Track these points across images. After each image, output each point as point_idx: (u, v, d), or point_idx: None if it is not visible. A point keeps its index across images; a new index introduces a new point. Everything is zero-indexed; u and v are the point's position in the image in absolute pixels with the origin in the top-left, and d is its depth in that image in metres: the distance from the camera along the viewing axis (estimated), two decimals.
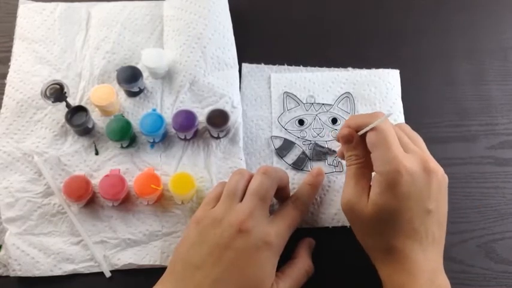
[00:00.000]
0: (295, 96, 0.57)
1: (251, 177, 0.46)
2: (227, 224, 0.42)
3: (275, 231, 0.43)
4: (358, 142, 0.44)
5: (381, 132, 0.41)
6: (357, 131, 0.44)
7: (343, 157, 0.48)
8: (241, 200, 0.44)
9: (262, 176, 0.45)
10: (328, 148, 0.55)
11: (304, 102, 0.57)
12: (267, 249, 0.42)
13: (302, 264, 0.47)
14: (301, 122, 0.56)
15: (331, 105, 0.57)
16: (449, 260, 0.51)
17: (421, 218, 0.41)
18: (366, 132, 0.43)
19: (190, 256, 0.42)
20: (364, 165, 0.44)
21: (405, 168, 0.40)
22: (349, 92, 0.57)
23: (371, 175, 0.44)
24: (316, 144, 0.55)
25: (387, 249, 0.42)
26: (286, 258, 0.48)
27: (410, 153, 0.42)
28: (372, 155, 0.42)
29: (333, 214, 0.52)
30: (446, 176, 0.44)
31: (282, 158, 0.54)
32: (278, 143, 0.55)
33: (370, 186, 0.43)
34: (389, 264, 0.42)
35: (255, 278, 0.41)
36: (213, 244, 0.41)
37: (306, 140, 0.55)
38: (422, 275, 0.41)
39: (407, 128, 0.46)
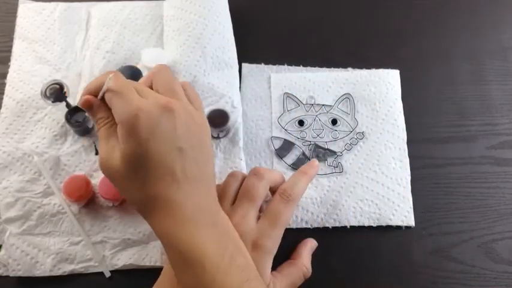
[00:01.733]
0: (295, 97, 0.57)
1: (244, 178, 0.46)
2: None
3: (266, 233, 0.43)
4: (100, 105, 0.41)
5: (113, 90, 0.39)
6: (97, 95, 0.41)
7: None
8: (234, 201, 0.44)
9: (253, 178, 0.45)
10: (328, 149, 0.55)
11: (304, 103, 0.57)
12: (258, 252, 0.42)
13: (300, 265, 0.47)
14: (301, 123, 0.56)
15: (331, 106, 0.57)
16: (449, 260, 0.51)
17: (173, 157, 0.38)
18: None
19: None
20: (114, 124, 0.40)
21: (140, 110, 0.37)
22: (349, 93, 0.57)
23: None
24: (316, 145, 0.55)
25: (147, 198, 0.39)
26: (286, 258, 0.48)
27: (148, 98, 0.39)
28: (113, 112, 0.40)
29: (333, 214, 0.52)
30: (201, 117, 0.42)
31: (281, 158, 0.54)
32: (278, 144, 0.55)
33: None
34: (153, 213, 0.39)
35: None
36: None
37: (306, 140, 0.55)
38: (184, 214, 0.38)
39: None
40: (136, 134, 0.38)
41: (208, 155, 0.41)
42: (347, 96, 0.57)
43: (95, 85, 0.41)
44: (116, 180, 0.40)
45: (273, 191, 0.46)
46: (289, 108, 0.57)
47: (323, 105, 0.57)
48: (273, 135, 0.55)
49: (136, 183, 0.39)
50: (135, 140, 0.38)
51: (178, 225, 0.38)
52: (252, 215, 0.43)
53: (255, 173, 0.45)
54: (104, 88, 0.40)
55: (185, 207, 0.38)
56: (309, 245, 0.50)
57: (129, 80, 0.41)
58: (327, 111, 0.57)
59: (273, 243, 0.43)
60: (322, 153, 0.55)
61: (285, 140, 0.55)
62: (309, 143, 0.55)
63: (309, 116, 0.56)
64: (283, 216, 0.44)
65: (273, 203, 0.45)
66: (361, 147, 0.55)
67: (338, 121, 0.56)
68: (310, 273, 0.48)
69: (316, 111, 0.57)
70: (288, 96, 0.57)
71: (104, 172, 0.41)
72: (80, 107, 0.42)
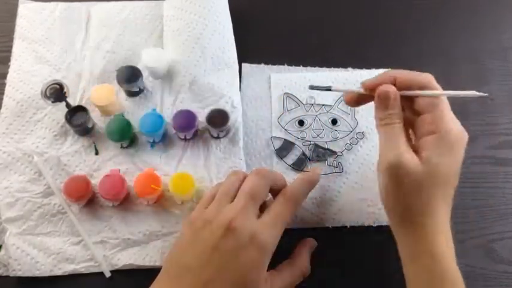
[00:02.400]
0: (295, 96, 0.57)
1: (245, 177, 0.46)
2: (216, 225, 0.42)
3: (264, 229, 0.42)
4: (399, 102, 0.43)
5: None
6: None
7: (352, 104, 0.48)
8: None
9: (254, 177, 0.45)
10: (328, 149, 0.55)
11: (304, 102, 0.57)
12: (255, 249, 0.41)
13: (299, 264, 0.47)
14: (301, 123, 0.56)
15: (331, 106, 0.57)
16: None
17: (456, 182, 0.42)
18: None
19: (183, 257, 0.42)
20: (403, 124, 0.44)
21: (465, 133, 0.42)
22: None
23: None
24: (316, 145, 0.55)
25: (423, 212, 0.41)
26: (285, 257, 0.48)
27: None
28: (425, 116, 0.42)
29: (333, 214, 0.52)
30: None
31: (281, 158, 0.54)
32: (278, 144, 0.55)
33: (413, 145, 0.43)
34: (421, 228, 0.41)
35: (245, 278, 0.41)
36: (203, 245, 0.41)
37: (306, 140, 0.55)
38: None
39: None
40: (457, 154, 0.42)
41: None
42: None
43: (406, 80, 0.44)
44: (400, 182, 0.41)
45: (273, 192, 0.46)
46: (289, 108, 0.57)
47: (323, 105, 0.57)
48: (273, 135, 0.55)
49: (421, 193, 0.41)
50: (453, 159, 0.41)
51: (445, 243, 0.41)
52: (251, 212, 0.43)
53: (257, 172, 0.45)
54: (437, 94, 0.43)
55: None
56: (309, 245, 0.50)
57: None
58: (327, 111, 0.57)
59: (271, 241, 0.43)
60: (322, 153, 0.55)
61: (285, 140, 0.55)
62: (309, 143, 0.55)
63: (309, 116, 0.56)
64: (283, 216, 0.44)
65: (274, 203, 0.45)
66: (361, 147, 0.55)
67: (338, 121, 0.56)
68: (309, 273, 0.48)
69: (316, 111, 0.57)
70: (288, 96, 0.57)
71: (389, 169, 0.41)
72: (378, 96, 0.43)
